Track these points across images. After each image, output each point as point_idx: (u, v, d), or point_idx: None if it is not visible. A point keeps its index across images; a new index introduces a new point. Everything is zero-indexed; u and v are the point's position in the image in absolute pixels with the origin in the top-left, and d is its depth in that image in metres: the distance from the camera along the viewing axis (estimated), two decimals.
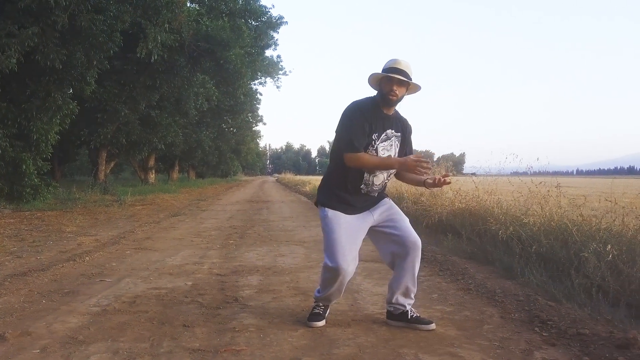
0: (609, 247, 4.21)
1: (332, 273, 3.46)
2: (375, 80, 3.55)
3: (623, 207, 5.38)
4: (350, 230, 3.49)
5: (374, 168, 3.46)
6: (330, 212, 3.53)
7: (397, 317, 3.62)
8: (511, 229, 5.74)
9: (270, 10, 21.47)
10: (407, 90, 3.52)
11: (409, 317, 3.57)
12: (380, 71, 3.51)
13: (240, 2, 18.95)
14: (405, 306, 3.59)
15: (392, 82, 3.41)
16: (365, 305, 4.23)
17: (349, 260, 3.42)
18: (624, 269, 4.11)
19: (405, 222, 3.59)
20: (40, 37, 11.48)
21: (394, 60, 3.46)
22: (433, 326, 3.54)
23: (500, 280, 5.05)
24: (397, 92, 3.43)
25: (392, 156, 3.55)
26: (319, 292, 3.70)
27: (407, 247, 3.47)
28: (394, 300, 3.61)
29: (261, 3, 20.60)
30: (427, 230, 8.35)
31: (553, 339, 3.32)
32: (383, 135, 3.51)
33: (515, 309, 4.01)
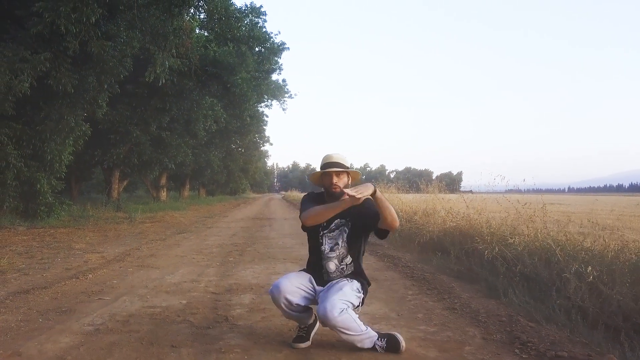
0: (590, 268, 4.08)
1: (271, 297, 3.49)
2: (316, 179, 3.67)
3: (604, 228, 5.25)
4: (301, 279, 3.55)
5: (324, 214, 3.39)
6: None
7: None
8: (497, 248, 5.61)
9: (273, 37, 21.58)
10: (348, 177, 3.61)
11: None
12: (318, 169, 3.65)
13: (244, 30, 19.04)
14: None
15: (330, 176, 3.52)
16: None
17: (282, 291, 3.40)
18: (604, 290, 3.98)
19: (330, 291, 3.39)
20: (53, 63, 11.55)
21: (327, 156, 3.62)
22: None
23: (485, 299, 4.91)
24: (338, 183, 3.51)
25: (339, 244, 3.57)
26: None
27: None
28: None
29: (265, 30, 20.69)
30: (419, 248, 8.21)
31: None
32: (332, 225, 3.58)
33: (497, 329, 3.88)
